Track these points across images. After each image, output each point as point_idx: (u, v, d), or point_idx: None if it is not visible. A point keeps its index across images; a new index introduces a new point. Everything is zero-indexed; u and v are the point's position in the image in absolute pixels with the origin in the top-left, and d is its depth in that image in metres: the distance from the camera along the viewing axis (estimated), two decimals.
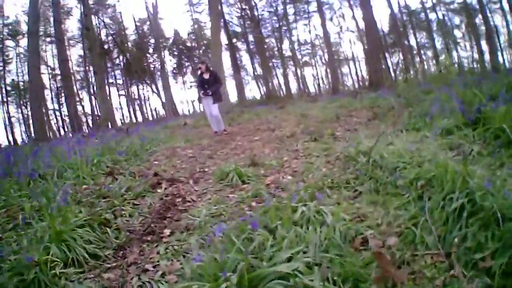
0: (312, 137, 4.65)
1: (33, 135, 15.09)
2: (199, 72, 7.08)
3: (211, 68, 7.28)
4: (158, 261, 1.93)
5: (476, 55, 23.52)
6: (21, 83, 25.52)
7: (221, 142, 6.05)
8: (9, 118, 25.71)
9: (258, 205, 2.49)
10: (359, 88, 22.15)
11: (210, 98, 6.82)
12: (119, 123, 25.51)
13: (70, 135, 14.31)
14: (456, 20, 26.27)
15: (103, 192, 2.94)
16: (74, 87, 27.47)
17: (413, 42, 27.01)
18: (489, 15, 20.52)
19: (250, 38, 30.73)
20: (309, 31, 31.52)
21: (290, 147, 4.50)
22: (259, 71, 30.49)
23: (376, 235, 1.77)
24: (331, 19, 30.35)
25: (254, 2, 29.35)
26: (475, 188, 1.59)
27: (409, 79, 19.94)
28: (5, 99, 25.53)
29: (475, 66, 21.73)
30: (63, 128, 27.16)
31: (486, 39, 19.56)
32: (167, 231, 2.31)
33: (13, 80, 25.68)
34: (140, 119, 30.07)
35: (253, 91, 35.87)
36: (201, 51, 32.23)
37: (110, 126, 13.83)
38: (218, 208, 2.57)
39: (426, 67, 27.69)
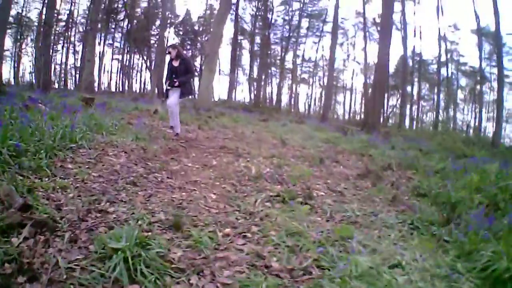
0: (282, 195, 3.27)
1: None
2: (168, 58, 5.81)
3: (183, 56, 5.92)
4: None
5: (472, 121, 23.34)
6: None
7: (169, 154, 4.69)
8: None
9: None
10: (349, 123, 21.40)
11: (178, 90, 5.58)
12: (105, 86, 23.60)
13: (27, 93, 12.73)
14: (462, 81, 26.27)
15: None
16: (73, 38, 26.23)
17: (413, 90, 26.78)
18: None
19: (257, 40, 29.69)
20: (316, 50, 30.93)
21: (245, 202, 3.00)
22: (255, 74, 29.54)
23: None
24: (341, 44, 29.81)
25: (272, 6, 28.41)
26: None
27: (403, 129, 19.33)
28: None
29: (469, 132, 21.40)
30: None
31: (496, 109, 18.84)
32: None
33: None
34: (126, 89, 29.38)
35: (244, 92, 34.85)
36: (206, 38, 30.77)
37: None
38: None
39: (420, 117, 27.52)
